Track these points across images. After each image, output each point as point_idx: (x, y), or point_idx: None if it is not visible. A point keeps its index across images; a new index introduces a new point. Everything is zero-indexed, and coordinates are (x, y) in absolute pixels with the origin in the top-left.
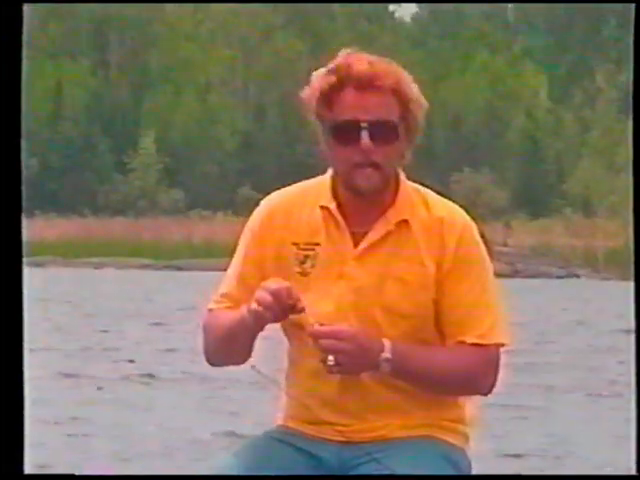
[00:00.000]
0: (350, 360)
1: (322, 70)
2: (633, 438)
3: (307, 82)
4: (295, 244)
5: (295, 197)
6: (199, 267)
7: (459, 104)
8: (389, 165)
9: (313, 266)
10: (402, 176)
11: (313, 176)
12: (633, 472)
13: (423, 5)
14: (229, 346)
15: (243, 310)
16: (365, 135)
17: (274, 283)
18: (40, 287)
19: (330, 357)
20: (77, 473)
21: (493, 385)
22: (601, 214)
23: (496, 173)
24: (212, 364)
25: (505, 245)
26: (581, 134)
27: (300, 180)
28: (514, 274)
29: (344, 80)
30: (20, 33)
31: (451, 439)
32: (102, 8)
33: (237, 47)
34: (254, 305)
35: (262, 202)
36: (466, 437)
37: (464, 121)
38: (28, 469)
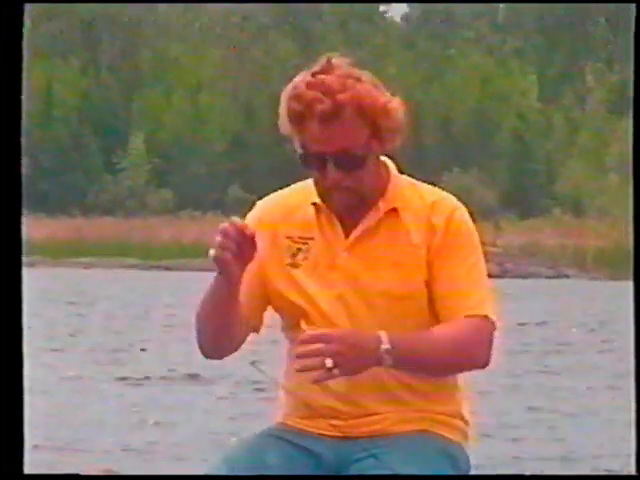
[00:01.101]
0: (346, 360)
1: (291, 90)
2: (633, 438)
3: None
4: (289, 237)
5: (289, 197)
6: (188, 267)
7: (449, 104)
8: (363, 185)
9: (305, 259)
10: (393, 168)
11: (303, 176)
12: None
13: (413, 5)
14: (212, 318)
15: (215, 275)
16: (331, 167)
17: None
18: (38, 287)
19: (327, 360)
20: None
21: (488, 357)
22: (590, 214)
23: (485, 173)
24: (206, 353)
25: (494, 245)
26: (571, 134)
27: (290, 180)
28: (503, 274)
29: (306, 112)
30: (20, 33)
31: (448, 434)
32: (92, 8)
33: (227, 47)
34: (210, 251)
35: (257, 203)
36: (463, 433)
37: (454, 121)
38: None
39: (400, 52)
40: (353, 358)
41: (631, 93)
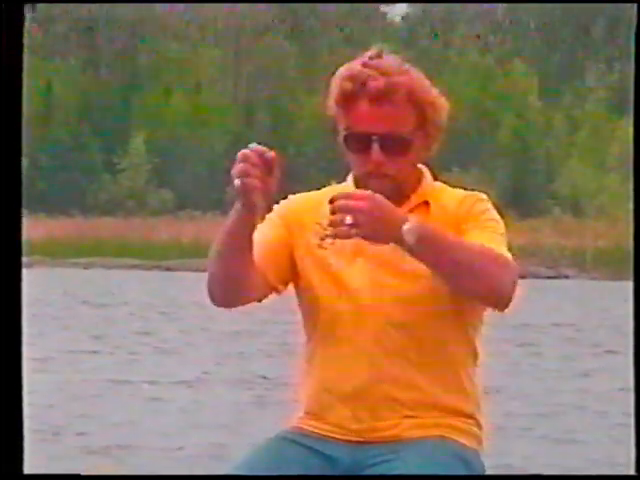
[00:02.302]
0: (369, 220)
1: (344, 71)
2: (632, 438)
3: (297, 82)
4: (318, 223)
5: (316, 195)
6: (188, 267)
7: (449, 104)
8: (402, 174)
9: (332, 244)
10: (427, 173)
11: (303, 177)
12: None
13: (413, 5)
14: (228, 255)
15: (234, 207)
16: (376, 148)
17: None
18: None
19: (347, 217)
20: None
21: (511, 294)
22: (590, 214)
23: (485, 173)
24: (217, 297)
25: None
26: (571, 134)
27: (290, 180)
28: None
29: (359, 92)
30: (21, 33)
31: (463, 440)
32: (92, 8)
33: (226, 47)
34: (236, 181)
35: (281, 201)
36: (479, 439)
37: (453, 120)
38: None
39: (400, 52)
40: (375, 219)
41: (631, 93)
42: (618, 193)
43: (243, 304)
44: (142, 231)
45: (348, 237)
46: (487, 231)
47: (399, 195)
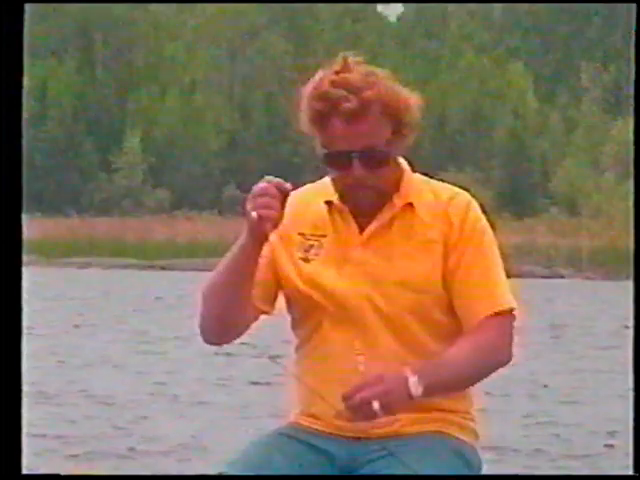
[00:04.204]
0: (391, 398)
1: (312, 89)
2: (632, 439)
3: (292, 82)
4: (301, 234)
5: (300, 196)
6: (183, 267)
7: (444, 104)
8: (384, 182)
9: (317, 255)
10: (405, 165)
11: (299, 175)
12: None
13: (409, 5)
14: (229, 286)
15: (238, 241)
16: (357, 163)
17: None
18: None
19: (374, 404)
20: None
21: (511, 354)
22: (586, 213)
23: (481, 172)
24: (211, 333)
25: None
26: (566, 134)
27: (285, 179)
28: None
29: (331, 112)
30: (21, 33)
31: (461, 435)
32: (87, 7)
33: (222, 46)
34: (253, 213)
35: None
36: (475, 434)
37: (449, 120)
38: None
39: (395, 51)
40: (391, 393)
41: (626, 92)
42: (614, 193)
43: (236, 338)
44: (138, 231)
45: (375, 418)
46: (478, 263)
47: (382, 199)
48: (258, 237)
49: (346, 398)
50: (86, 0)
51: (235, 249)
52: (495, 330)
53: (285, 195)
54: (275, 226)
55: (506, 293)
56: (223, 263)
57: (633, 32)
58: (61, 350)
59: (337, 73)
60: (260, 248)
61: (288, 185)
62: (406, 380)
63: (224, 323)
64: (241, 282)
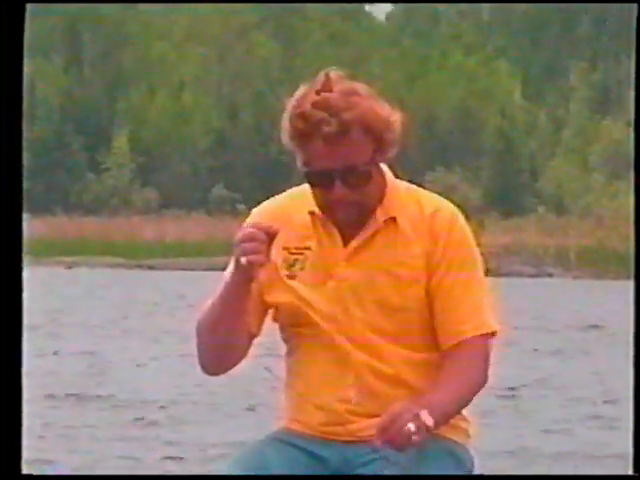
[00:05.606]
0: (419, 423)
1: (294, 108)
2: (631, 439)
3: (281, 82)
4: (285, 248)
5: (284, 204)
6: (172, 267)
7: (433, 103)
8: (366, 198)
9: (302, 269)
10: (389, 175)
11: (286, 175)
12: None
13: (397, 4)
14: (223, 320)
15: (226, 277)
16: (338, 183)
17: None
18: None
19: (410, 425)
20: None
21: (487, 375)
22: (574, 213)
23: (469, 172)
24: (208, 366)
25: (477, 244)
26: (555, 133)
27: (273, 178)
28: (486, 273)
29: (312, 132)
30: (21, 33)
31: (453, 436)
32: (75, 6)
33: (210, 46)
34: (243, 259)
35: (253, 211)
36: (467, 434)
37: (437, 120)
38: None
39: (384, 51)
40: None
41: (615, 92)
42: (602, 192)
43: (234, 367)
44: (126, 230)
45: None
46: (461, 282)
47: (364, 214)
48: (249, 278)
49: (381, 431)
50: (85, 0)
51: (226, 284)
52: (481, 354)
53: (272, 238)
54: (263, 267)
55: (490, 315)
56: (216, 298)
57: (634, 32)
58: None
59: (318, 93)
60: (250, 284)
61: (275, 228)
62: (418, 415)
63: (221, 355)
64: (235, 315)
